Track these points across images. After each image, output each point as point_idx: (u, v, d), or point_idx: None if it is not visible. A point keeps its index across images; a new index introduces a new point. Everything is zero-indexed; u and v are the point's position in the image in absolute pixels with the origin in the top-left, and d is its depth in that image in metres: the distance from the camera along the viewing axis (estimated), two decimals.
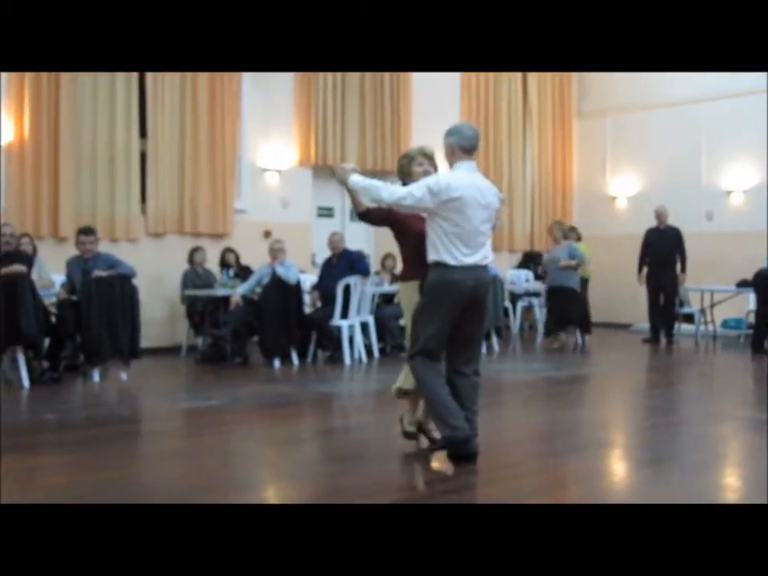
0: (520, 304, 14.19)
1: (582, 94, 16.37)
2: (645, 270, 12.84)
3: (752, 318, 12.94)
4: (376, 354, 10.39)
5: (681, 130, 14.78)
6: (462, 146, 5.20)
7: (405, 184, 5.34)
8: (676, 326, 13.07)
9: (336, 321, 9.86)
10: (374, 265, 12.35)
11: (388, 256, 11.82)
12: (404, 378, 5.55)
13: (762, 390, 8.84)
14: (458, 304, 5.11)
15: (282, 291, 9.54)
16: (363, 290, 10.09)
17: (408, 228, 5.39)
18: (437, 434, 5.44)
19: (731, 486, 4.93)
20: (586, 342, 12.44)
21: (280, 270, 9.54)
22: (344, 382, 9.01)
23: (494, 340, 11.53)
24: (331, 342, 10.09)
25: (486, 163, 15.01)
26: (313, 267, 12.30)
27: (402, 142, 13.65)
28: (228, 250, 11.15)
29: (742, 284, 12.64)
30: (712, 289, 13.16)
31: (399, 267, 11.93)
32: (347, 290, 9.86)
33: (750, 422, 6.93)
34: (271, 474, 5.23)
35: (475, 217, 5.12)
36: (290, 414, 7.11)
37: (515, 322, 14.12)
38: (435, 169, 5.46)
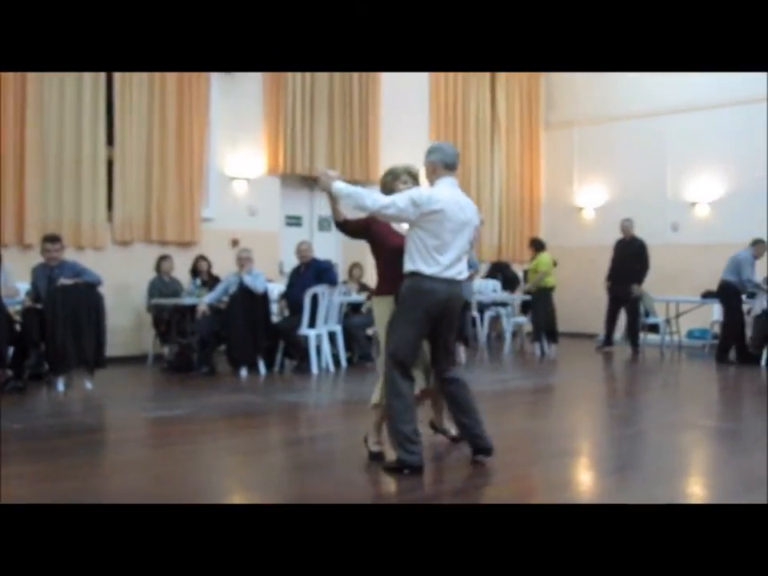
0: (487, 314, 14.24)
1: (549, 105, 16.50)
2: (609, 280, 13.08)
3: (717, 329, 13.12)
4: (343, 363, 10.39)
5: (647, 142, 14.93)
6: (445, 163, 5.34)
7: None
8: (642, 336, 13.20)
9: (303, 330, 9.85)
10: (342, 274, 12.36)
11: (355, 265, 11.85)
12: (379, 393, 5.52)
13: (726, 399, 8.96)
14: (430, 313, 5.20)
15: (249, 300, 9.54)
16: (331, 300, 10.10)
17: (384, 242, 5.47)
18: (455, 432, 5.79)
19: (696, 494, 4.98)
20: (553, 352, 12.53)
21: (247, 279, 9.53)
22: (311, 391, 9.01)
23: (461, 349, 11.53)
24: (298, 351, 10.07)
25: None
26: (281, 276, 12.28)
27: (371, 151, 13.70)
28: (201, 257, 11.12)
29: (707, 295, 12.80)
30: (677, 299, 13.33)
31: (367, 277, 11.98)
32: (315, 299, 9.87)
33: (713, 431, 7.01)
34: (237, 483, 5.22)
35: (454, 231, 5.22)
36: (256, 424, 7.10)
37: (482, 332, 14.16)
38: None
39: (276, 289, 10.91)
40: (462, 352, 11.45)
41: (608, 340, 13.15)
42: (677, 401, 9.10)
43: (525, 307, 13.74)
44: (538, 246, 13.01)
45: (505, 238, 16.04)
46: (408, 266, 5.22)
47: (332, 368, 10.09)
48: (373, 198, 5.15)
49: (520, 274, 15.46)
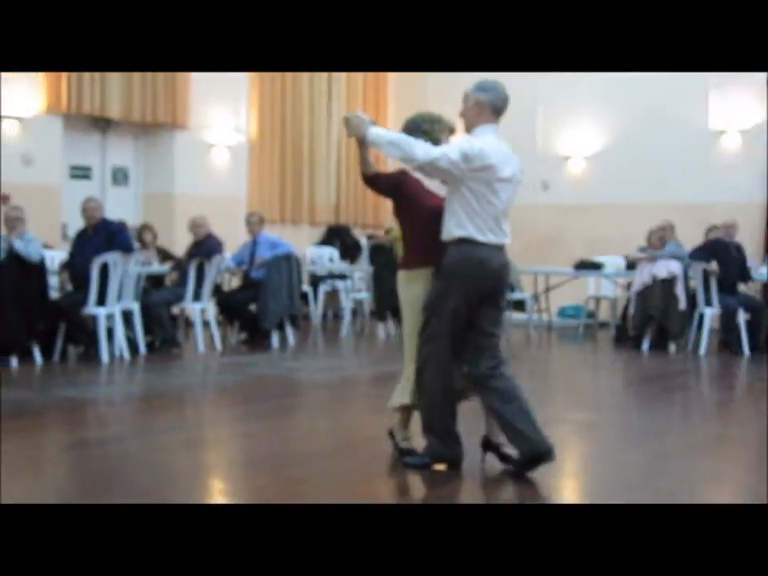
0: (322, 288, 14.25)
1: None
2: None
3: (592, 305, 13.60)
4: (142, 349, 10.22)
5: (514, 89, 15.17)
6: (495, 107, 5.38)
7: None
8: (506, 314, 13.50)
9: (90, 308, 9.63)
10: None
11: (145, 228, 11.61)
12: (402, 391, 5.64)
13: (600, 389, 9.30)
14: (483, 289, 5.33)
15: (21, 271, 9.24)
16: (125, 271, 9.90)
17: (418, 202, 5.51)
18: (509, 450, 5.54)
19: (567, 497, 5.15)
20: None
21: (18, 245, 9.22)
22: (100, 384, 8.86)
23: (289, 331, 11.57)
24: (84, 334, 9.86)
25: (283, 118, 15.03)
26: (63, 241, 12.01)
27: (179, 92, 13.50)
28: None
29: (582, 265, 13.15)
30: (546, 271, 13.66)
31: (164, 240, 11.85)
32: (105, 270, 9.64)
33: (584, 426, 7.25)
34: (8, 499, 5.06)
35: (501, 190, 5.33)
36: (29, 426, 6.88)
37: (316, 310, 14.20)
38: None
39: (57, 257, 10.65)
40: (290, 335, 11.50)
41: None
42: (545, 391, 9.35)
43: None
44: None
45: (344, 196, 16.09)
46: (455, 231, 5.27)
47: (127, 355, 9.91)
48: (423, 148, 5.15)
49: (362, 241, 15.57)
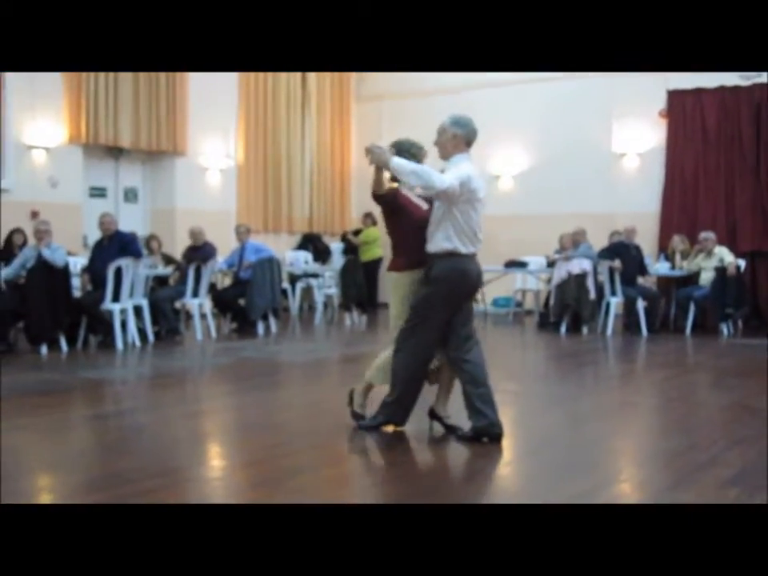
0: (299, 285, 14.26)
1: (360, 78, 16.57)
2: None
3: (520, 297, 13.71)
4: (150, 337, 10.16)
5: None
6: (468, 140, 5.32)
7: None
8: None
9: (107, 305, 9.56)
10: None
11: (152, 237, 11.54)
12: (377, 372, 5.59)
13: (527, 364, 9.33)
14: (465, 292, 5.33)
15: (48, 274, 9.15)
16: (136, 273, 9.83)
17: (411, 214, 5.41)
18: (452, 421, 5.53)
19: (489, 454, 5.17)
20: (363, 322, 12.71)
21: (46, 253, 9.15)
22: (116, 367, 8.76)
23: (272, 321, 11.55)
24: (102, 326, 9.77)
25: (265, 145, 14.98)
26: (84, 249, 11.90)
27: (179, 123, 13.42)
28: (16, 230, 10.63)
29: (510, 264, 13.25)
30: (482, 269, 13.69)
31: (168, 247, 11.76)
32: (119, 272, 9.58)
33: (513, 394, 7.29)
34: (38, 463, 5.03)
35: (479, 207, 5.28)
36: (57, 402, 6.83)
37: (294, 303, 14.19)
38: None
39: (78, 263, 10.56)
40: (273, 324, 11.47)
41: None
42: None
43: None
44: (373, 220, 13.82)
45: (316, 209, 16.08)
46: (444, 244, 5.19)
47: (138, 343, 9.86)
48: (439, 178, 5.04)
49: (332, 246, 15.59)
